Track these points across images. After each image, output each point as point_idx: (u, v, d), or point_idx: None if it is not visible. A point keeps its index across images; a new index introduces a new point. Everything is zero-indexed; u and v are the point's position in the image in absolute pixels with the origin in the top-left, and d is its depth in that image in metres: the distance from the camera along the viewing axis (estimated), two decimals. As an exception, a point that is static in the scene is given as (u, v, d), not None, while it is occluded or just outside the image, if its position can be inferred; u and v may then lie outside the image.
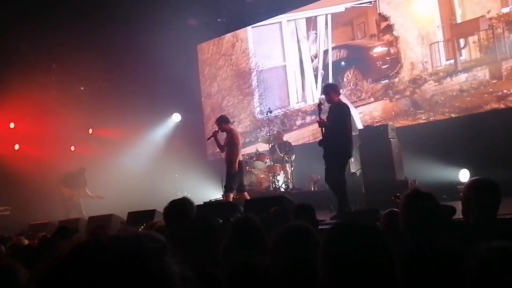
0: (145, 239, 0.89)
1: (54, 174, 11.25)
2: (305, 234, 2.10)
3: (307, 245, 2.01)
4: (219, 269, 2.57)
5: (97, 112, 12.02)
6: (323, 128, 6.83)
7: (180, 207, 3.65)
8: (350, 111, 7.03)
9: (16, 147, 11.98)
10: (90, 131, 12.49)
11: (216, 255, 2.85)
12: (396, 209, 3.01)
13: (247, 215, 3.33)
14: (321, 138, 6.84)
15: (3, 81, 11.37)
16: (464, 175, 8.09)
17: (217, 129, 8.13)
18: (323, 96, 7.14)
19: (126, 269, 0.81)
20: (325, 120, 6.78)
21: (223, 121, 8.04)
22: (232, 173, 7.74)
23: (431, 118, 9.22)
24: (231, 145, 7.86)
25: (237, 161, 7.81)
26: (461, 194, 3.19)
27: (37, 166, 11.34)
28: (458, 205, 3.20)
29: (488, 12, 8.58)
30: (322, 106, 7.11)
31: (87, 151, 11.83)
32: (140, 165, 11.77)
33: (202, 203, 8.11)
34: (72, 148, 12.41)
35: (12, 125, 11.96)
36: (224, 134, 8.08)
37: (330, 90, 6.85)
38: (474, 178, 3.24)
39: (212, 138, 8.08)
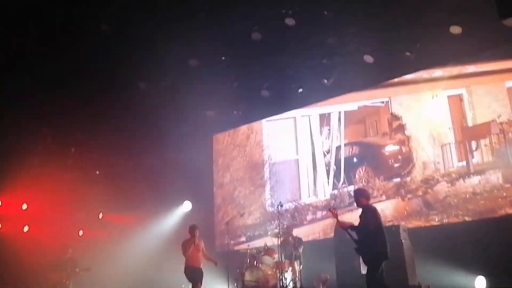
0: None
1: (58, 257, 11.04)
2: None
3: None
4: None
5: (109, 196, 12.06)
6: (349, 231, 6.69)
7: None
8: (379, 213, 6.87)
9: (25, 229, 11.94)
10: (100, 215, 12.46)
11: None
12: None
13: None
14: (355, 246, 6.59)
15: (22, 162, 11.57)
16: (480, 283, 7.76)
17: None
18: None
19: None
20: (354, 224, 6.69)
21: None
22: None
23: (444, 220, 9.03)
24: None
25: None
26: None
27: (43, 249, 11.21)
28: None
29: (498, 117, 8.67)
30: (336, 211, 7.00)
31: (95, 236, 11.75)
32: (146, 253, 11.57)
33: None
34: (80, 233, 12.31)
35: (24, 206, 12.00)
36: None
37: (359, 196, 6.87)
38: None
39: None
